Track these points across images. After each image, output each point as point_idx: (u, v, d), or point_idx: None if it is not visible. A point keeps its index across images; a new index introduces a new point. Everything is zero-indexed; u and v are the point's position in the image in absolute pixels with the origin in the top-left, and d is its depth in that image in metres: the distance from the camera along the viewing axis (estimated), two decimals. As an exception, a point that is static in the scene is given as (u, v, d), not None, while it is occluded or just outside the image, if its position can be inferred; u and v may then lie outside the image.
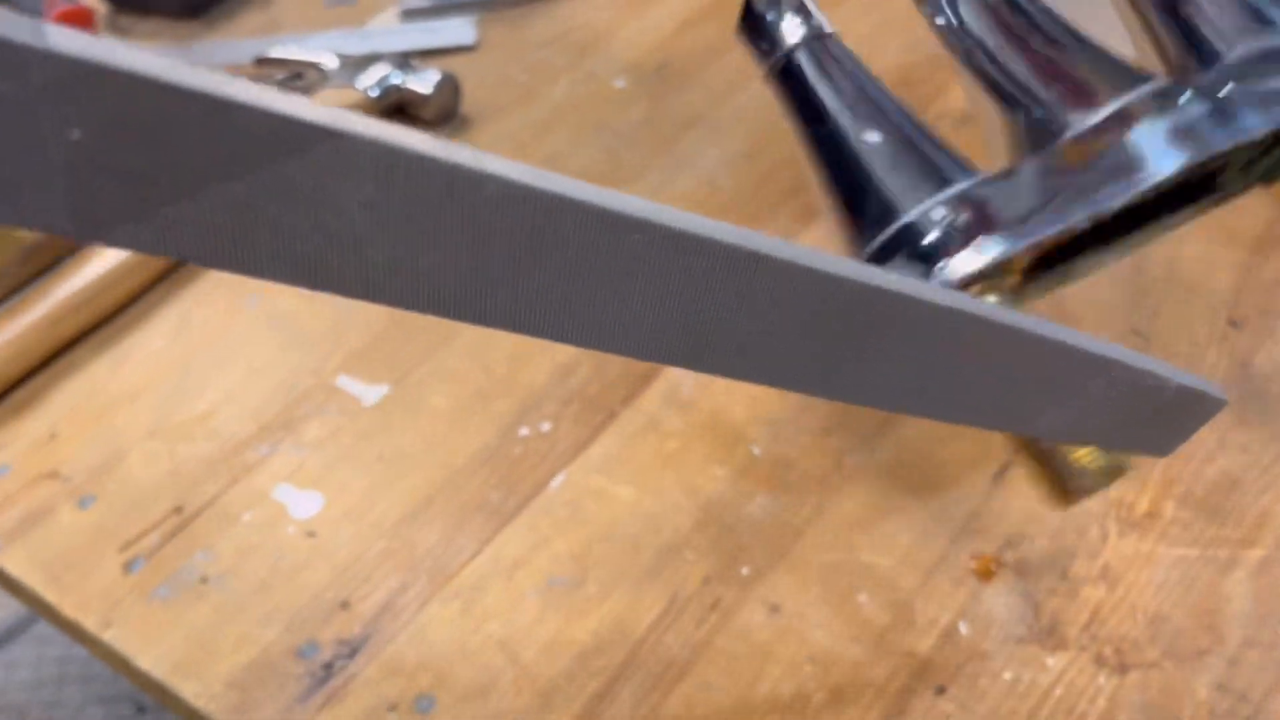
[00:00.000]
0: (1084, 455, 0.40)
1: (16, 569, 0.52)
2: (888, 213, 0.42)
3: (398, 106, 0.73)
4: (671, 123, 0.70)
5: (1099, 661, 0.44)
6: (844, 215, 0.44)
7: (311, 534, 0.51)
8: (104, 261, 0.62)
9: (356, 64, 0.74)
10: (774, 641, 0.46)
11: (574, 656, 0.46)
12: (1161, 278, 0.57)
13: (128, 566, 0.51)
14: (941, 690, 0.44)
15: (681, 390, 0.55)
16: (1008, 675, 0.44)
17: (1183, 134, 0.41)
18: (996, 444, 0.51)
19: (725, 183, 0.66)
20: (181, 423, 0.57)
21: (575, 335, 0.21)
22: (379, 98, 0.72)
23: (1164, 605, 0.45)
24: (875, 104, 0.45)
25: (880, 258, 0.42)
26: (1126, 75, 0.43)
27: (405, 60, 0.74)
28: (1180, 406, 0.28)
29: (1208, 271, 0.57)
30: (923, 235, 0.41)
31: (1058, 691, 0.43)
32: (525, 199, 0.18)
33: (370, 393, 0.57)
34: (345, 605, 0.49)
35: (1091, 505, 0.48)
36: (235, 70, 0.77)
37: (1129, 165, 0.40)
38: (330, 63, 0.75)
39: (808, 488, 0.51)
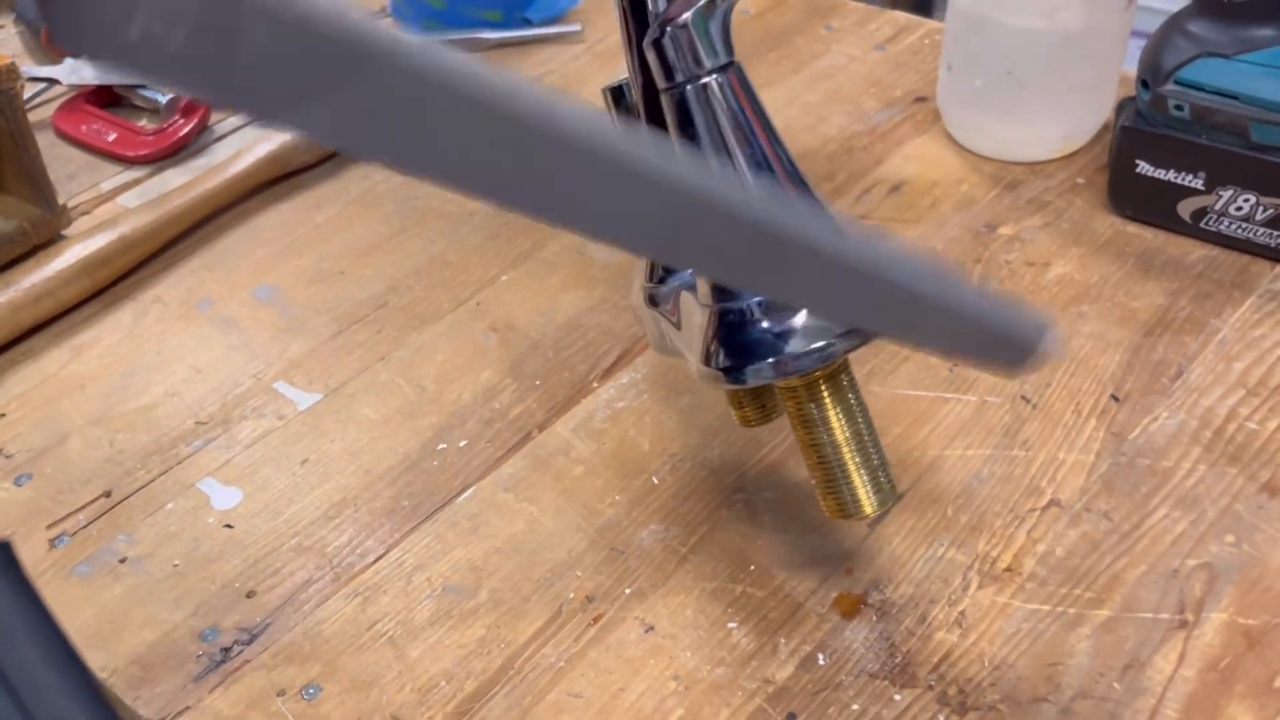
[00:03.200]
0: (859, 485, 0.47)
1: (-51, 537, 0.55)
2: None
3: (367, 134, 0.77)
4: (623, 170, 0.74)
5: (942, 700, 0.47)
6: None
7: (229, 526, 0.55)
8: (67, 257, 0.66)
9: (333, 91, 0.78)
10: (644, 658, 0.49)
11: (457, 659, 0.49)
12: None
13: (53, 543, 0.54)
14: (792, 716, 0.46)
15: (595, 420, 0.58)
16: (855, 706, 0.47)
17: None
18: (875, 492, 0.54)
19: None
20: (124, 413, 0.60)
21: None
22: (350, 125, 0.76)
23: (1010, 654, 0.48)
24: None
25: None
26: None
27: (380, 91, 0.78)
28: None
29: (1100, 349, 0.60)
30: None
31: (900, 725, 0.46)
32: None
33: (304, 399, 0.60)
34: (251, 595, 0.52)
35: (958, 557, 0.51)
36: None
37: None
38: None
39: (697, 520, 0.54)
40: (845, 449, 0.46)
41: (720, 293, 0.46)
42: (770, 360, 0.45)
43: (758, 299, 0.45)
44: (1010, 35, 0.68)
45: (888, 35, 0.86)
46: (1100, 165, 0.71)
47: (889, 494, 0.47)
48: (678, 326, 0.50)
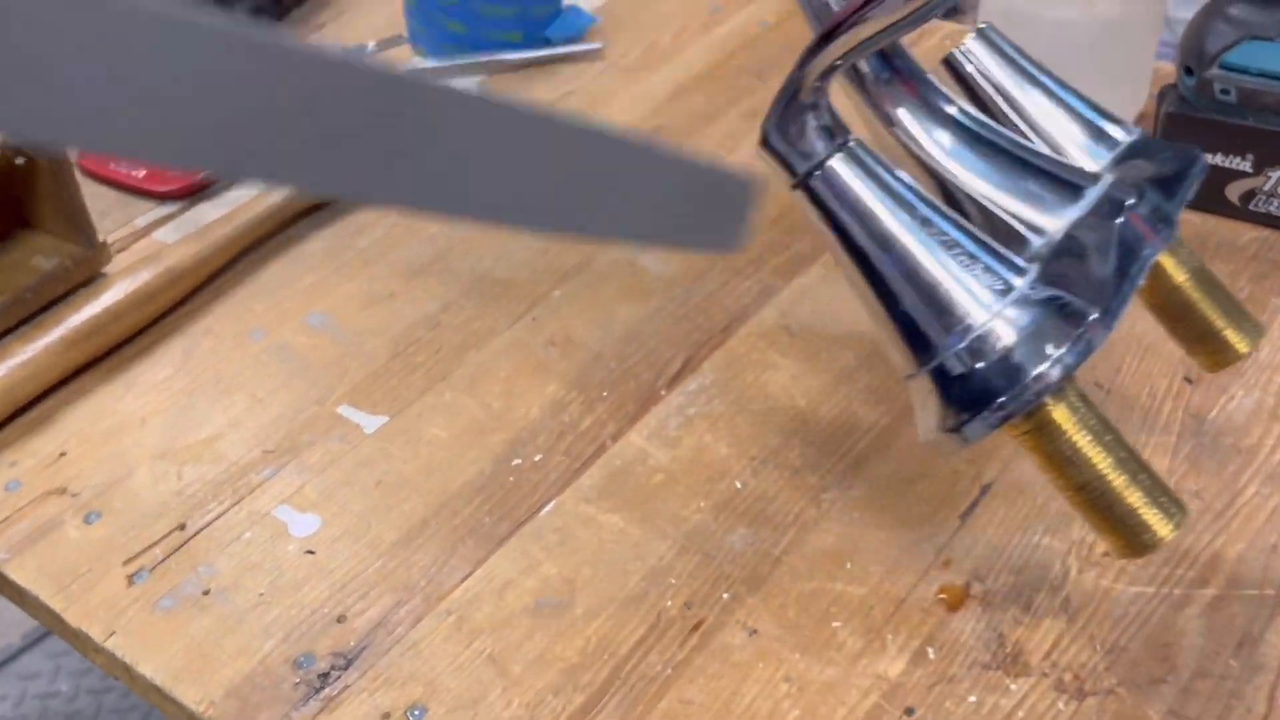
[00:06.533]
0: (1147, 513, 0.43)
1: (24, 579, 0.53)
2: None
3: (403, 157, 0.76)
4: (664, 181, 0.74)
5: (1059, 688, 0.46)
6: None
7: (310, 552, 0.54)
8: (115, 292, 0.65)
9: (364, 116, 0.77)
10: (752, 661, 0.48)
11: (561, 671, 0.48)
12: (1123, 336, 0.60)
13: (132, 579, 0.53)
14: (910, 711, 0.46)
15: (668, 428, 0.58)
16: (972, 699, 0.46)
17: None
18: (964, 482, 0.54)
19: (714, 238, 0.69)
20: (188, 445, 0.59)
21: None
22: (385, 148, 0.75)
23: (1121, 637, 0.48)
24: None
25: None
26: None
27: (411, 115, 0.77)
28: (719, 195, 0.29)
29: (1166, 333, 0.60)
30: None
31: (1019, 714, 0.45)
32: None
33: (370, 422, 0.60)
34: (341, 619, 0.51)
35: (1054, 544, 0.51)
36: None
37: None
38: (339, 115, 0.78)
39: (786, 521, 0.53)
40: (1112, 479, 0.43)
41: (918, 356, 0.44)
42: (983, 414, 0.42)
43: (954, 349, 0.43)
44: (1048, 28, 0.68)
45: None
46: (1141, 154, 0.71)
47: (1177, 509, 0.43)
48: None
